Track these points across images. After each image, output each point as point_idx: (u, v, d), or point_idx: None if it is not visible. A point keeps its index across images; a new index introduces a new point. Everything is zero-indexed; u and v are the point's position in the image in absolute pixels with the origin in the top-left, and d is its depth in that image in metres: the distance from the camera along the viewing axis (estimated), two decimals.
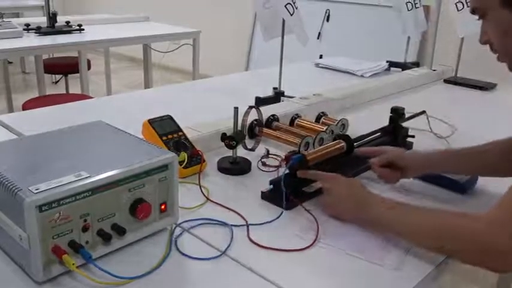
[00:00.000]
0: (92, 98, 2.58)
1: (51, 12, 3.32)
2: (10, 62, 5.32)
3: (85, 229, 0.80)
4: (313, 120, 1.53)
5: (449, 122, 1.66)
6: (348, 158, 1.24)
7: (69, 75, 4.28)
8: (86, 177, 0.79)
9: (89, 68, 3.86)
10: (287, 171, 1.07)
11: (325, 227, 0.98)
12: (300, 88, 1.90)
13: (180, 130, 1.25)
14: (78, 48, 3.22)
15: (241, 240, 0.93)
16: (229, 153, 1.26)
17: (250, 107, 1.29)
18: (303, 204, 1.06)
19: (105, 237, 0.82)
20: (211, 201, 1.08)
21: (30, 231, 0.73)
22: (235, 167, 1.24)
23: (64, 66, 4.10)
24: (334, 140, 1.27)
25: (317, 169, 1.11)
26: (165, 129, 1.22)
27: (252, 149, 1.30)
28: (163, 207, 0.92)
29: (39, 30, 3.23)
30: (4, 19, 3.42)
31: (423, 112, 1.52)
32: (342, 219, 1.01)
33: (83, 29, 3.40)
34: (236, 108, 1.21)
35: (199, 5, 5.66)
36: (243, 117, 1.26)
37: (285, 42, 1.84)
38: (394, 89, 2.12)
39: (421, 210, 0.93)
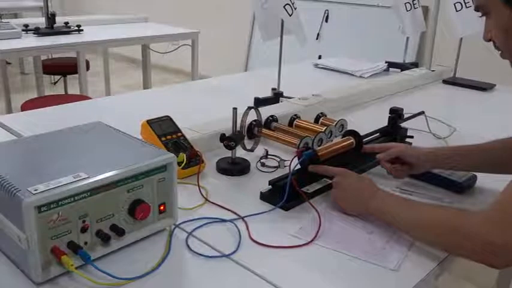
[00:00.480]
0: (90, 98, 2.58)
1: (49, 12, 3.32)
2: (9, 63, 5.33)
3: (84, 230, 0.80)
4: (312, 121, 1.53)
5: (448, 122, 1.67)
6: (355, 154, 1.26)
7: (68, 76, 4.28)
8: (85, 178, 0.79)
9: (87, 68, 3.85)
10: (298, 166, 1.08)
11: (325, 226, 0.99)
12: (298, 89, 1.90)
13: (179, 131, 1.25)
14: (76, 49, 3.22)
15: (241, 240, 0.93)
16: (228, 153, 1.26)
17: (249, 108, 1.29)
18: (302, 204, 1.06)
19: (104, 238, 0.82)
20: (210, 201, 1.07)
21: (29, 232, 0.73)
22: (234, 168, 1.23)
23: (63, 67, 4.09)
24: (344, 136, 1.28)
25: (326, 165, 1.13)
26: (164, 130, 1.22)
27: (251, 150, 1.30)
28: (162, 208, 0.92)
29: (37, 31, 3.23)
30: (3, 20, 3.42)
31: (422, 113, 1.52)
32: (350, 213, 1.03)
33: (82, 30, 3.41)
34: (235, 109, 1.21)
35: (198, 6, 5.66)
36: (242, 117, 1.26)
37: (284, 43, 1.84)
38: (393, 89, 2.12)
39: (424, 205, 0.99)
